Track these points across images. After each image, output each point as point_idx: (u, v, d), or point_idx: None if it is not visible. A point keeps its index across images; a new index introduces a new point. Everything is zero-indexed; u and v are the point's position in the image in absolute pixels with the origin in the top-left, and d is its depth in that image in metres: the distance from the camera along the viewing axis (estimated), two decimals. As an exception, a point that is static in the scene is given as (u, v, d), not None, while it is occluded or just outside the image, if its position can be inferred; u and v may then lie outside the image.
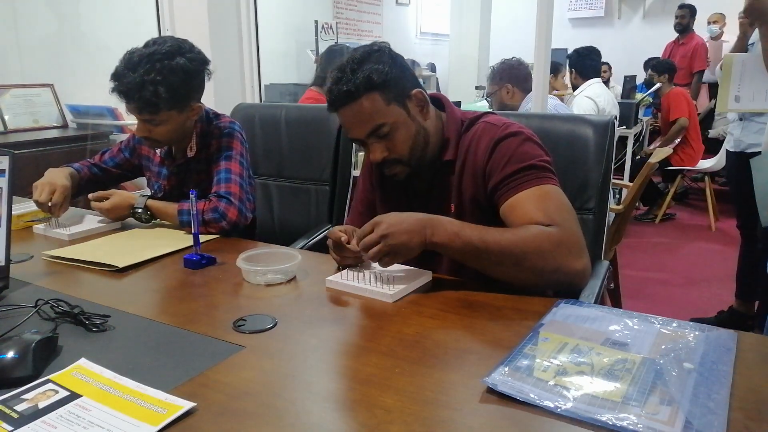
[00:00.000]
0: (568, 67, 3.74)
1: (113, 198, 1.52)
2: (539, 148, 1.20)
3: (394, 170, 1.23)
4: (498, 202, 1.18)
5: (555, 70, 3.62)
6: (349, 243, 1.15)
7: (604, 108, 3.40)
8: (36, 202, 1.50)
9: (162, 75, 1.41)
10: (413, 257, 1.09)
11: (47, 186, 1.51)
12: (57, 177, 1.56)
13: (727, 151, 2.62)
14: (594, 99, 3.38)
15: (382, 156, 1.20)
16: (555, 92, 3.55)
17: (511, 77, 2.77)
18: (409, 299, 1.06)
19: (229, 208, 1.48)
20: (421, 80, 1.34)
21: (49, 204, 1.50)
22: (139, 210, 1.52)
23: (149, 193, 1.71)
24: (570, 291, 1.20)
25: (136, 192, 1.68)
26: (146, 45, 1.46)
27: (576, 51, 3.71)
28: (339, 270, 1.19)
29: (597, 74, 3.66)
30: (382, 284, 1.08)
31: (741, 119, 2.45)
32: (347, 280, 1.12)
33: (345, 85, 1.14)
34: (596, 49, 3.72)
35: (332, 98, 1.17)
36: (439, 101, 1.32)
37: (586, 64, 3.63)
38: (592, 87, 3.55)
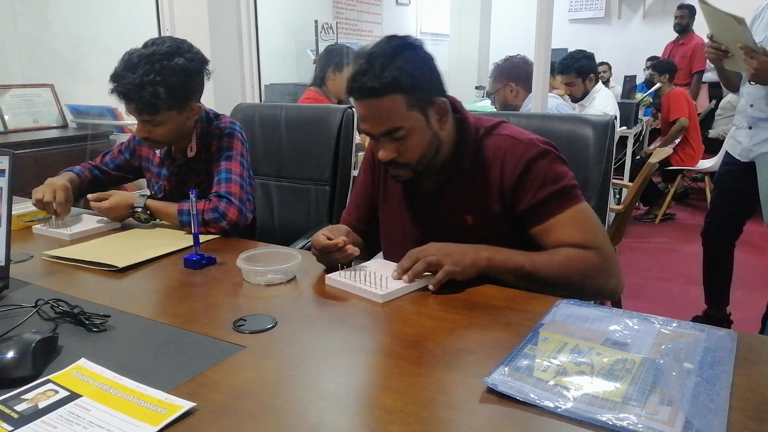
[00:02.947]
0: (575, 74, 3.53)
1: (113, 198, 1.52)
2: (565, 164, 1.19)
3: (399, 172, 1.21)
4: (530, 223, 1.18)
5: (584, 73, 3.48)
6: (331, 240, 1.15)
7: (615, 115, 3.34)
8: (38, 202, 1.51)
9: (161, 75, 1.41)
10: (469, 275, 1.09)
11: (48, 187, 1.53)
12: (56, 180, 1.59)
13: (729, 157, 2.42)
14: (610, 113, 3.28)
15: (391, 157, 1.17)
16: (555, 91, 3.50)
17: (515, 76, 2.75)
18: (409, 299, 1.06)
19: (230, 208, 1.48)
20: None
21: (53, 203, 1.50)
22: (139, 210, 1.51)
23: (149, 193, 1.71)
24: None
25: (136, 192, 1.68)
26: (145, 45, 1.46)
27: (583, 53, 3.52)
28: (340, 268, 1.18)
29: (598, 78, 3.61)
30: (375, 284, 1.08)
31: (750, 128, 2.26)
32: (346, 278, 1.12)
33: (371, 80, 1.09)
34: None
35: (354, 87, 1.12)
36: (452, 104, 1.27)
37: (592, 66, 3.56)
38: (602, 94, 3.46)
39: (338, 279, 1.12)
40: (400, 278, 1.10)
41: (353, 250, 1.16)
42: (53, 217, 1.53)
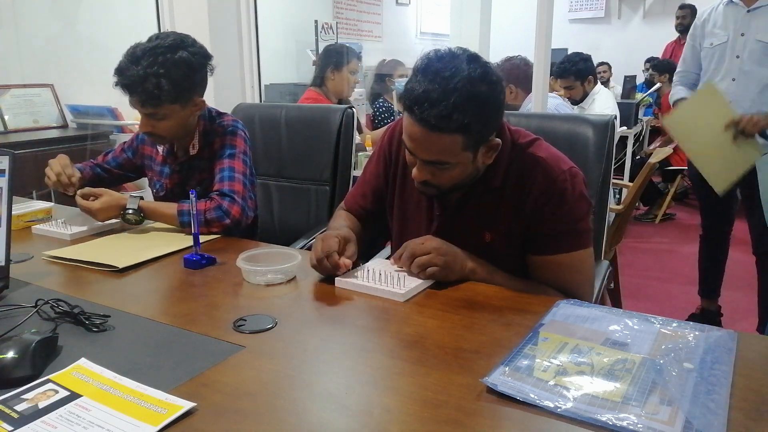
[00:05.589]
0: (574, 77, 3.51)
1: (103, 198, 1.46)
2: (587, 202, 1.17)
3: (426, 190, 1.18)
4: (532, 250, 1.18)
5: (582, 75, 3.47)
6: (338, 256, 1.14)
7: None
8: (55, 183, 1.54)
9: (165, 68, 1.41)
10: (446, 279, 1.12)
11: (54, 164, 1.56)
12: (56, 158, 1.62)
13: None
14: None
15: (425, 179, 1.13)
16: (555, 92, 3.50)
17: (515, 78, 2.75)
18: (409, 299, 1.06)
19: (233, 206, 1.48)
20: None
21: (61, 174, 1.52)
22: (130, 211, 1.46)
23: (143, 195, 1.69)
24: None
25: (132, 192, 1.65)
26: (149, 39, 1.47)
27: (580, 56, 3.49)
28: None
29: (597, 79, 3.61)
30: (393, 284, 1.08)
31: None
32: (358, 279, 1.11)
33: (438, 116, 1.01)
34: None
35: (416, 109, 1.03)
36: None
37: (590, 68, 3.55)
38: (601, 96, 3.45)
39: (349, 281, 1.12)
40: (398, 265, 1.15)
41: (346, 266, 1.15)
42: (69, 188, 1.54)
